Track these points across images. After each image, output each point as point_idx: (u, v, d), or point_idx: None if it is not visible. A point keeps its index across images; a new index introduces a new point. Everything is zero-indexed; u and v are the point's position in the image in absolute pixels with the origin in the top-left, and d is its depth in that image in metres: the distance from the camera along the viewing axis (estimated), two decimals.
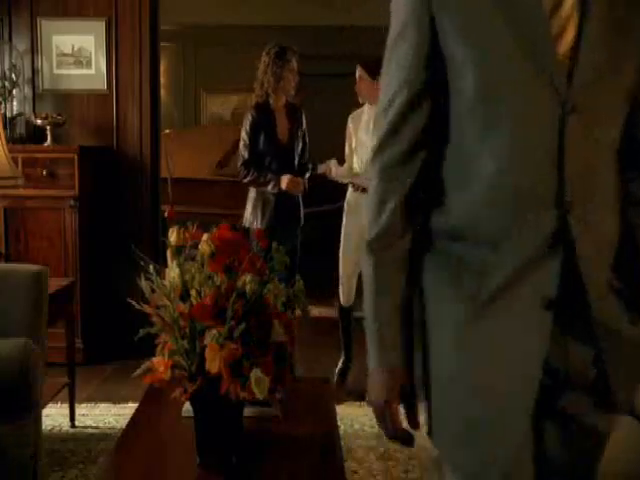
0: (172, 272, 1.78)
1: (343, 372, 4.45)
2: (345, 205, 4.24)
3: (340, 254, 4.24)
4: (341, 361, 4.45)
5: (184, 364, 1.71)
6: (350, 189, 4.23)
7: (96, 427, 3.69)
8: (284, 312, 1.86)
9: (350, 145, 4.30)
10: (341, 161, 4.43)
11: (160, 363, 1.72)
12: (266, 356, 1.70)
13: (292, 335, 1.84)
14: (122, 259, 3.99)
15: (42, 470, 2.56)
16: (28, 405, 2.31)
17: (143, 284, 1.78)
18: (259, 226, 4.09)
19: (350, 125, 4.29)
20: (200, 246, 1.80)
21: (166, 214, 1.92)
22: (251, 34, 8.69)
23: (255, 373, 1.63)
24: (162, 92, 8.85)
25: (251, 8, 8.83)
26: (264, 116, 4.13)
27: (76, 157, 4.50)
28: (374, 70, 3.90)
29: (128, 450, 1.96)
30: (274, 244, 1.90)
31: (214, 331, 1.67)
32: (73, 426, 3.66)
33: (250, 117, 4.14)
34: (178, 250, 1.85)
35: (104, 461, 2.02)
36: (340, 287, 4.27)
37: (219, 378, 1.68)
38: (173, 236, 1.78)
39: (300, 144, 4.26)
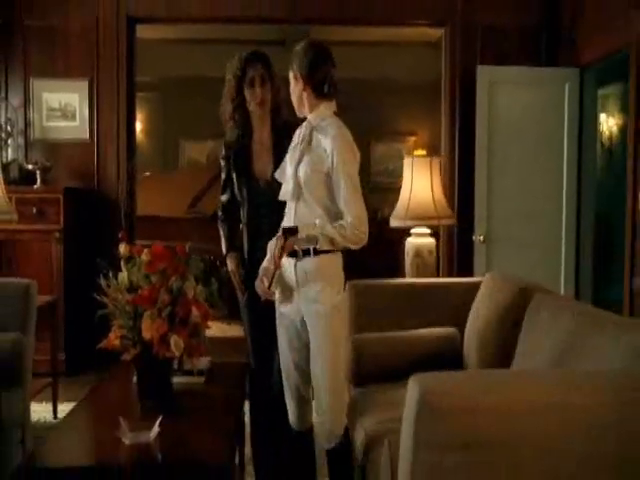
0: (123, 274, 2.60)
1: None
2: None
3: (281, 354, 2.88)
4: None
5: (129, 335, 2.51)
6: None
7: None
8: (202, 303, 2.66)
9: None
10: None
11: (113, 335, 2.53)
12: (185, 330, 2.51)
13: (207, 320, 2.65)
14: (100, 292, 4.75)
15: (28, 439, 3.32)
16: (20, 378, 3.11)
17: (102, 282, 2.59)
18: (242, 299, 3.25)
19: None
20: (142, 256, 2.61)
21: (120, 236, 2.74)
22: None
23: (173, 337, 2.43)
24: (144, 138, 9.77)
25: (226, 62, 9.72)
26: (235, 152, 3.20)
27: (61, 197, 5.33)
28: (296, 68, 2.78)
29: (89, 404, 2.77)
30: (193, 257, 2.70)
31: (149, 312, 2.48)
32: (56, 418, 4.42)
33: (220, 157, 3.30)
34: (128, 260, 2.66)
35: (70, 411, 2.80)
36: (287, 401, 2.89)
37: (152, 344, 2.48)
38: (122, 249, 2.60)
39: None
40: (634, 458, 1.80)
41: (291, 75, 2.80)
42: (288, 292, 2.75)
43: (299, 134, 2.80)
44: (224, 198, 3.31)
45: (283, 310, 2.80)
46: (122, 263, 2.67)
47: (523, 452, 1.70)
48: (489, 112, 5.45)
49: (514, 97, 5.44)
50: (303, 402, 2.86)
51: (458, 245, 5.74)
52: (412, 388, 1.73)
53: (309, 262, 2.66)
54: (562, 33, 5.64)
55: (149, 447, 2.22)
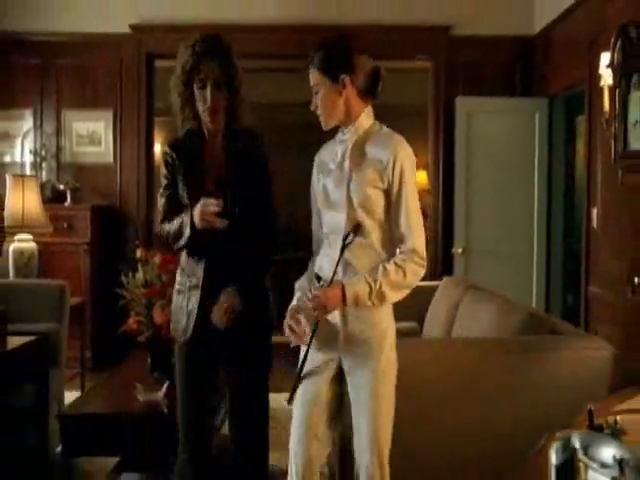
0: (139, 273, 3.30)
1: None
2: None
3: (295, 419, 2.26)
4: None
5: (144, 320, 3.21)
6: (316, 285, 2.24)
7: None
8: None
9: (315, 204, 2.34)
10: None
11: (132, 320, 3.23)
12: None
13: None
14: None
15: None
16: (58, 360, 3.83)
17: (123, 279, 3.29)
18: (181, 339, 2.50)
19: (314, 171, 2.36)
20: (155, 259, 3.31)
21: (137, 243, 3.45)
22: None
23: None
24: None
25: None
26: (181, 157, 2.50)
27: (89, 214, 6.07)
28: (333, 67, 2.19)
29: (114, 375, 3.48)
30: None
31: (159, 302, 3.18)
32: None
33: (163, 162, 2.54)
34: (144, 262, 3.37)
35: (98, 381, 3.51)
36: (289, 464, 2.26)
37: (161, 328, 3.17)
38: (139, 253, 3.30)
39: (248, 190, 2.44)
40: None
41: (319, 78, 2.18)
42: (327, 333, 2.16)
43: (333, 151, 2.25)
44: (162, 215, 2.51)
45: (314, 357, 2.18)
46: (139, 265, 3.38)
47: (413, 398, 2.37)
48: (467, 138, 6.12)
49: (490, 125, 6.11)
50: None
51: (442, 256, 6.40)
52: None
53: None
54: (535, 67, 6.31)
55: (157, 403, 2.92)
